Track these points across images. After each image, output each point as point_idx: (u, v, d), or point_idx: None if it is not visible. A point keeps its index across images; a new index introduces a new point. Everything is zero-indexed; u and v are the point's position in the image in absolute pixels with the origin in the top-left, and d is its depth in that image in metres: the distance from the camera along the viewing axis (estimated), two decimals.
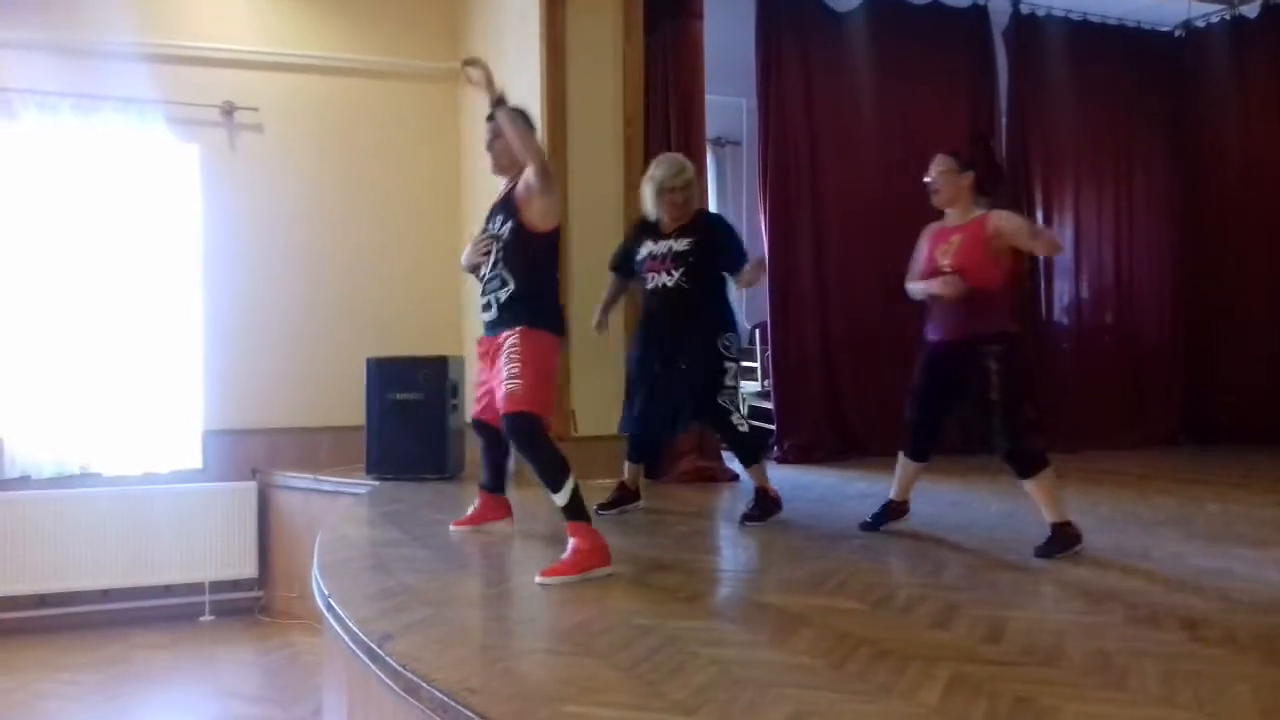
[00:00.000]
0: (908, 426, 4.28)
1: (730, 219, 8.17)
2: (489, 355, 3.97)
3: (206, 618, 6.34)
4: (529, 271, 3.83)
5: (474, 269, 4.03)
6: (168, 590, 6.33)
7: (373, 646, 2.70)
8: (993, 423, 3.88)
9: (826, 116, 7.49)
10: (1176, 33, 8.62)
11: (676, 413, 4.63)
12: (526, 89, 6.07)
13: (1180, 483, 6.07)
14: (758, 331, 7.80)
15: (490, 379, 4.01)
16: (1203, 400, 8.30)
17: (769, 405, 7.40)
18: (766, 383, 7.46)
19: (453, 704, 2.25)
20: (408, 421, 5.84)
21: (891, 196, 7.24)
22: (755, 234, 7.70)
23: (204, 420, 6.64)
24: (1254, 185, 8.00)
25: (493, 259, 3.88)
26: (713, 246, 4.62)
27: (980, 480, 6.04)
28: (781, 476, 6.34)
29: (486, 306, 3.93)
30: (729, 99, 7.73)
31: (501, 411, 3.75)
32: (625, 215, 5.97)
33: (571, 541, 3.51)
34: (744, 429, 4.69)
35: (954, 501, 5.20)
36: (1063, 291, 8.37)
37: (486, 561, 4.03)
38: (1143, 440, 8.09)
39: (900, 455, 4.34)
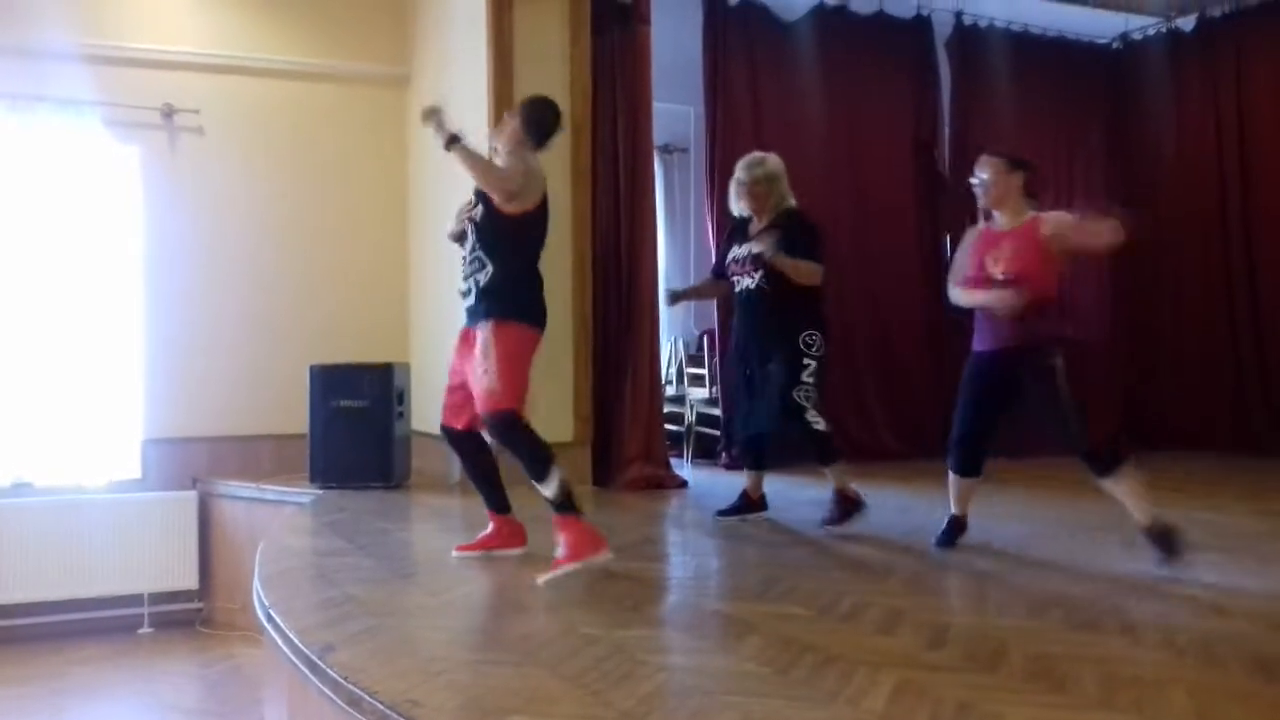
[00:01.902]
0: (956, 441, 4.06)
1: (678, 226, 8.34)
2: (463, 348, 3.87)
3: (145, 630, 6.21)
4: (505, 255, 3.75)
5: (458, 238, 3.95)
6: (106, 602, 6.17)
7: (313, 658, 2.67)
8: (1067, 425, 3.73)
9: (773, 124, 7.53)
10: (1114, 45, 8.80)
11: (768, 411, 4.61)
12: (474, 93, 6.05)
13: None
14: (705, 338, 7.81)
15: (458, 374, 3.90)
16: (1140, 406, 8.46)
17: (717, 411, 7.42)
18: (715, 389, 7.48)
19: (395, 716, 2.23)
20: (352, 429, 5.77)
21: (837, 204, 7.30)
22: (703, 240, 7.72)
23: (144, 429, 6.51)
24: (1188, 194, 8.17)
25: (470, 241, 3.82)
26: (789, 245, 4.53)
27: (926, 486, 6.09)
28: (729, 482, 6.36)
29: (466, 292, 3.83)
30: (677, 106, 7.73)
31: (480, 410, 3.69)
32: (571, 219, 5.97)
33: (562, 536, 3.48)
34: (819, 427, 4.53)
35: (901, 508, 5.25)
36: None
37: (431, 571, 3.99)
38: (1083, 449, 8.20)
39: (950, 473, 4.12)
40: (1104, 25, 8.54)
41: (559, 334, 5.86)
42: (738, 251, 4.73)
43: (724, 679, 2.50)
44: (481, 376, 3.65)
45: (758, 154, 4.84)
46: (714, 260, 5.02)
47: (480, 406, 3.69)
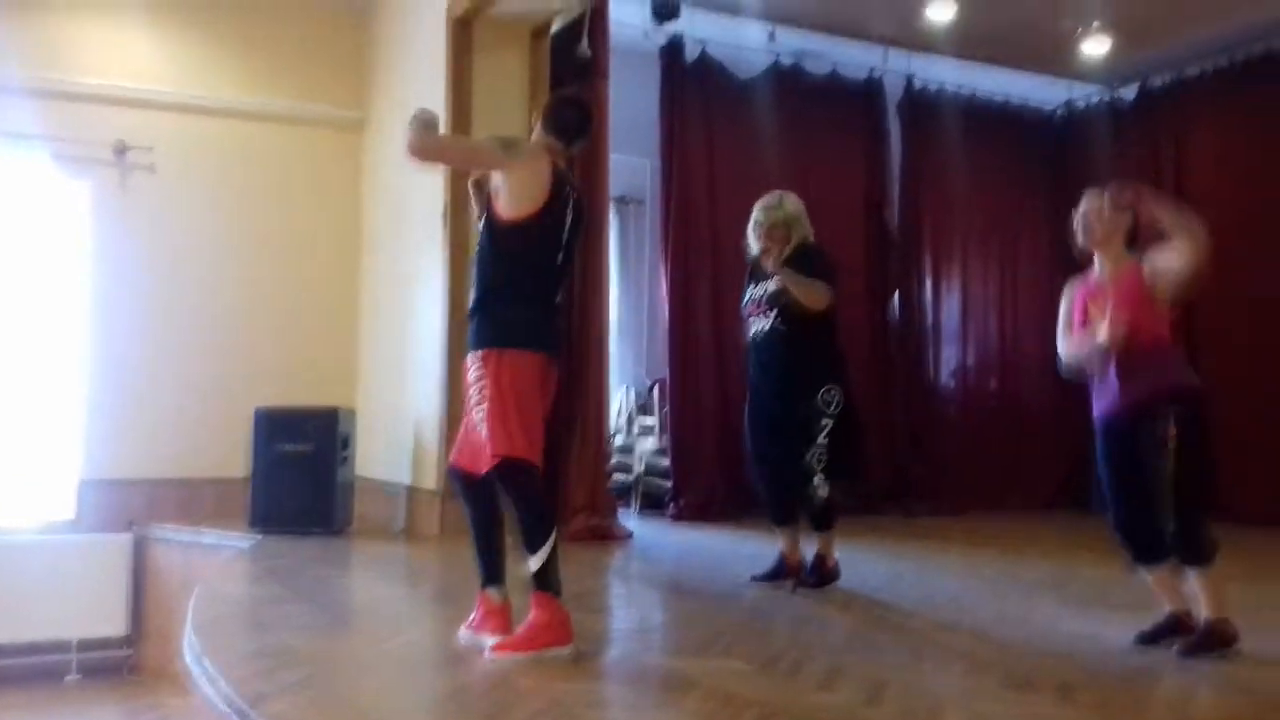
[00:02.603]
0: (1117, 530, 3.49)
1: (631, 276, 8.38)
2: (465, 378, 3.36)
3: (72, 677, 6.02)
4: (501, 268, 3.25)
5: None
6: (32, 648, 5.99)
7: (245, 708, 2.61)
8: (1165, 497, 3.27)
9: (727, 179, 7.63)
10: (1058, 113, 9.06)
11: (788, 471, 4.37)
12: None
13: (1058, 547, 6.26)
14: (656, 388, 7.83)
15: (466, 410, 3.36)
16: (1082, 465, 8.57)
17: (666, 462, 7.42)
18: (664, 439, 7.48)
19: None
20: (295, 474, 5.69)
21: None
22: (656, 291, 7.77)
23: (81, 469, 6.37)
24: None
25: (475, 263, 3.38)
26: (804, 273, 4.32)
27: (868, 541, 6.14)
28: (676, 535, 6.37)
29: (467, 314, 3.39)
30: (633, 159, 7.82)
31: (486, 455, 3.17)
32: None
33: (532, 614, 3.12)
34: (824, 494, 4.30)
35: (843, 563, 5.24)
36: (950, 357, 8.62)
37: (370, 620, 3.93)
38: (1024, 504, 8.31)
39: (1138, 568, 3.53)
40: (1049, 93, 8.80)
41: None
42: (753, 291, 4.52)
43: None
44: (480, 424, 3.17)
45: (775, 194, 4.58)
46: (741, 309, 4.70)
47: (485, 450, 3.17)
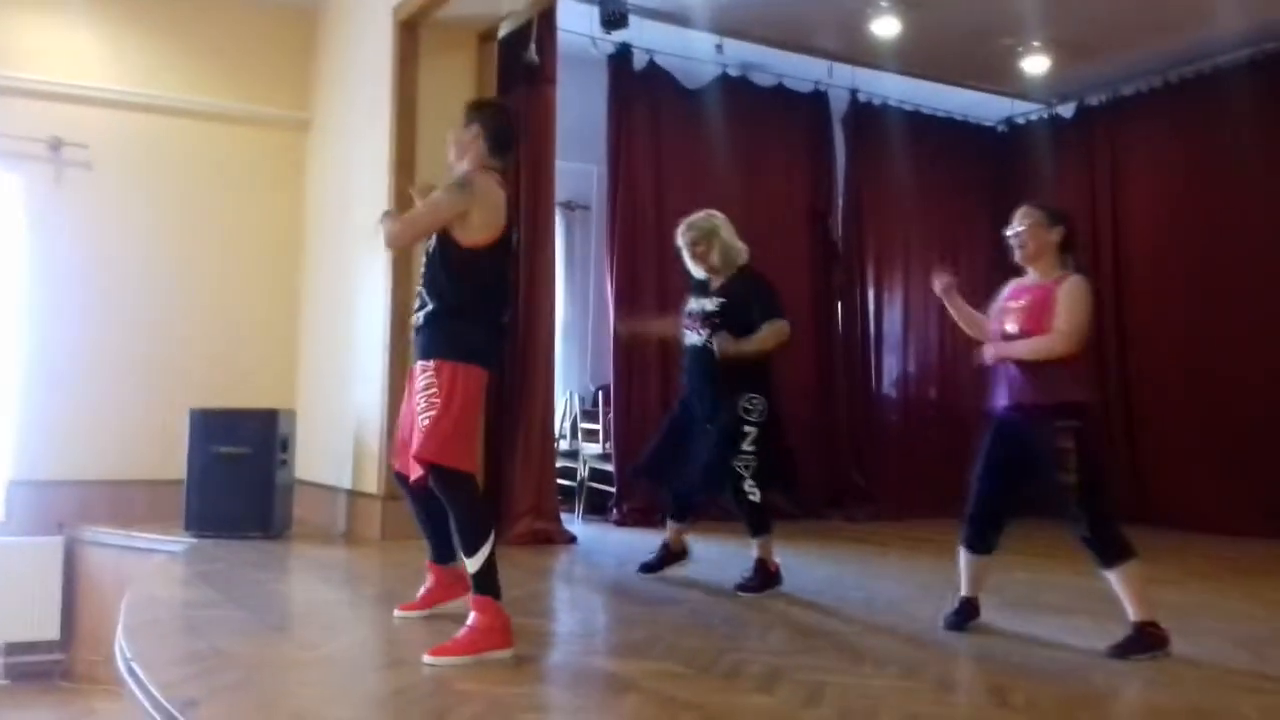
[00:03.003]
0: (969, 516, 3.79)
1: (577, 282, 8.39)
2: (412, 386, 3.53)
3: (2, 681, 5.87)
4: (451, 291, 3.38)
5: None
6: None
7: (175, 713, 2.57)
8: (1070, 508, 3.48)
9: (674, 186, 7.66)
10: (999, 128, 9.23)
11: (707, 474, 4.56)
12: (375, 144, 6.04)
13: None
14: (600, 393, 7.84)
15: (407, 418, 3.58)
16: None
17: (609, 468, 7.42)
18: (608, 445, 7.49)
19: None
20: (232, 477, 5.61)
21: None
22: (602, 296, 7.78)
23: (10, 469, 6.22)
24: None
25: (421, 274, 3.52)
26: (741, 304, 4.59)
27: (808, 545, 6.20)
28: (619, 539, 6.38)
29: (414, 325, 3.53)
30: (580, 165, 7.83)
31: (417, 458, 3.36)
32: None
33: (472, 617, 3.18)
34: (755, 498, 4.50)
35: (784, 566, 5.27)
36: (891, 366, 8.73)
37: (306, 624, 3.89)
38: (961, 510, 8.41)
39: (960, 550, 3.86)
40: (990, 109, 8.96)
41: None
42: (693, 306, 4.73)
43: None
44: (423, 427, 3.32)
45: (693, 216, 4.82)
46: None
47: (418, 453, 3.34)
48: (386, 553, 5.40)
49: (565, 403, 8.01)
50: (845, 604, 4.39)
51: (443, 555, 3.75)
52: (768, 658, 3.27)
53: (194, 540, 5.51)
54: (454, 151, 3.66)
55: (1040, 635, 3.75)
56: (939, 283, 4.02)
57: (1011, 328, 3.66)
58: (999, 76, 8.17)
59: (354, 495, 6.04)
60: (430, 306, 3.41)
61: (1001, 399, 3.67)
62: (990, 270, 8.99)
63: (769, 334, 4.55)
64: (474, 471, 3.38)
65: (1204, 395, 7.53)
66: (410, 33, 5.99)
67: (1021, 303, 3.68)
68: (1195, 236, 7.65)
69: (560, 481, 7.21)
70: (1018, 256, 3.78)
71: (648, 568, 4.90)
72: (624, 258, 7.51)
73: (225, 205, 6.83)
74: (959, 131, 9.08)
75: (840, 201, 8.49)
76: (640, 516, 7.10)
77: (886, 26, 7.15)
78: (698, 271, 4.78)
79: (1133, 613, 3.41)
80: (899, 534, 7.11)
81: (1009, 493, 3.72)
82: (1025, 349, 3.58)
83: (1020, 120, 9.10)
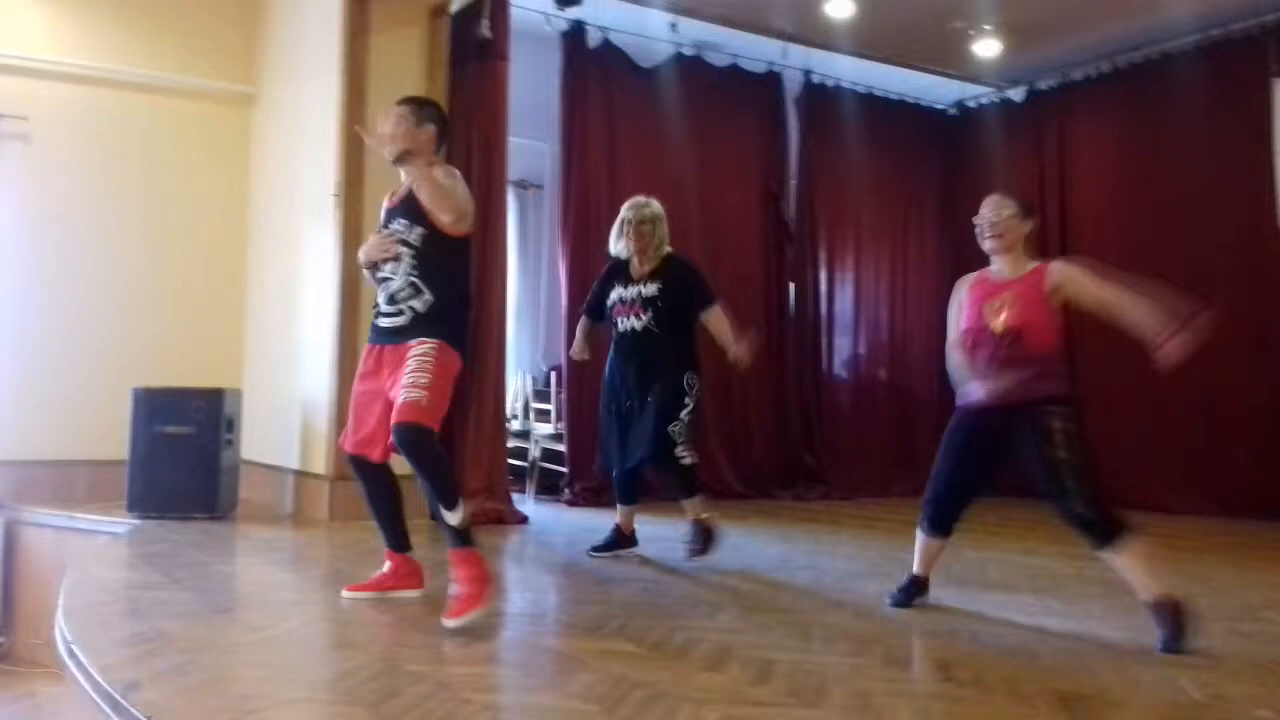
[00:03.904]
0: (930, 498, 3.75)
1: (530, 260, 8.33)
2: (384, 368, 3.58)
3: None
4: (447, 282, 3.57)
5: (372, 267, 3.66)
6: None
7: (116, 696, 2.52)
8: (1064, 485, 3.35)
9: (627, 165, 7.64)
10: (950, 110, 9.30)
11: (643, 443, 4.69)
12: (323, 119, 5.94)
13: None
14: (553, 374, 7.81)
15: (373, 402, 3.60)
16: None
17: (562, 448, 7.41)
18: (560, 425, 7.47)
19: None
20: (176, 457, 5.51)
21: (688, 246, 7.41)
22: (554, 274, 7.74)
23: None
24: None
25: (404, 266, 3.55)
26: (681, 289, 4.76)
27: (760, 524, 6.24)
28: (572, 519, 6.37)
29: (395, 314, 3.55)
30: (533, 142, 7.77)
31: (398, 419, 3.38)
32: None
33: (462, 574, 3.33)
34: (687, 461, 4.70)
35: (735, 545, 5.32)
36: (842, 346, 8.79)
37: (252, 606, 3.83)
38: (911, 489, 8.51)
39: (918, 530, 3.82)
40: (942, 92, 9.02)
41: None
42: (624, 293, 4.83)
43: (550, 717, 2.47)
44: (411, 387, 3.39)
45: (642, 197, 4.96)
46: (589, 301, 5.07)
47: (401, 415, 3.37)
48: (334, 534, 5.34)
49: (517, 383, 7.97)
50: (796, 582, 4.42)
51: (399, 543, 3.79)
52: (718, 636, 3.28)
53: (137, 521, 5.42)
54: (400, 139, 3.57)
55: (986, 612, 3.80)
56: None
57: (999, 323, 3.48)
58: (950, 59, 8.24)
59: (301, 476, 5.97)
60: (428, 296, 3.52)
61: (985, 395, 3.55)
62: (940, 253, 9.10)
63: (725, 322, 4.77)
64: (437, 433, 3.48)
65: (1146, 376, 7.65)
66: (360, 5, 5.89)
67: (1004, 298, 3.52)
68: (1140, 220, 7.77)
69: (512, 462, 7.19)
70: (989, 246, 3.64)
71: (598, 550, 4.91)
72: (577, 237, 7.47)
73: (169, 180, 6.69)
74: (911, 114, 9.13)
75: (793, 182, 8.52)
76: (592, 496, 7.10)
77: (840, 8, 7.17)
78: (623, 250, 4.90)
79: (1145, 592, 3.28)
80: (850, 513, 7.18)
81: (974, 479, 3.68)
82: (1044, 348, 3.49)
83: (971, 103, 9.17)
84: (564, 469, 7.35)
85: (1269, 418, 7.06)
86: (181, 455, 5.52)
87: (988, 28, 7.59)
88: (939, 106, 9.27)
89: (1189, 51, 7.54)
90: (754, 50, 8.08)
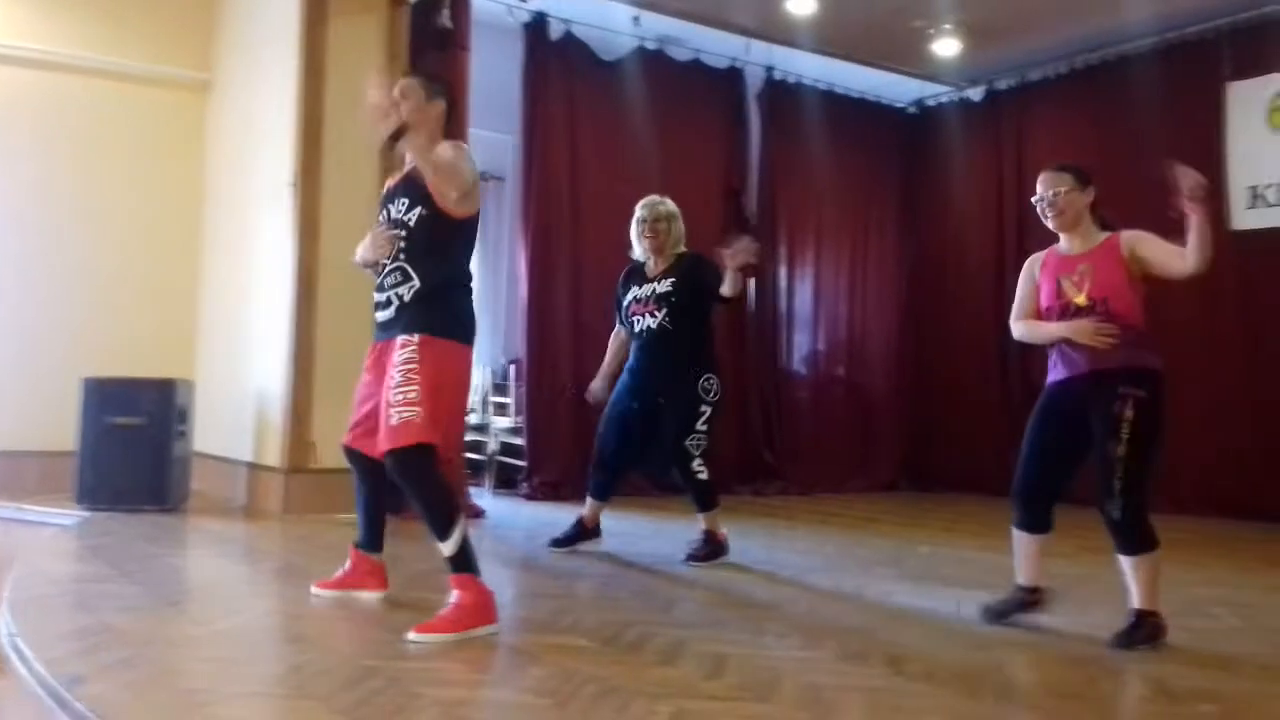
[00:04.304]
0: (1016, 492, 3.46)
1: (490, 253, 8.28)
2: (378, 364, 3.40)
3: None
4: (439, 264, 3.32)
5: (372, 265, 3.46)
6: None
7: (61, 690, 2.48)
8: (1110, 484, 3.21)
9: (589, 158, 7.62)
10: (910, 109, 9.36)
11: (660, 453, 4.68)
12: (281, 108, 5.87)
13: (897, 525, 6.49)
14: (512, 367, 7.78)
15: (373, 395, 3.40)
16: (921, 448, 8.94)
17: (520, 441, 7.38)
18: (519, 418, 7.44)
19: None
20: (127, 448, 5.42)
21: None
22: (515, 267, 7.70)
23: None
24: (972, 251, 8.74)
25: (395, 248, 3.34)
26: (695, 285, 4.69)
27: (721, 517, 6.24)
28: (529, 513, 6.36)
29: (384, 304, 3.36)
30: (495, 134, 7.71)
31: (385, 447, 3.20)
32: None
33: (455, 595, 3.15)
34: (703, 476, 4.65)
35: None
36: (802, 342, 8.83)
37: (202, 599, 3.79)
38: (868, 485, 8.61)
39: (1014, 530, 3.51)
40: (902, 90, 9.08)
41: (359, 354, 5.66)
42: (638, 292, 4.81)
43: (500, 711, 2.47)
44: (401, 406, 3.17)
45: (655, 195, 4.95)
46: (615, 309, 5.02)
47: (393, 440, 3.17)
48: (287, 527, 5.29)
49: (476, 376, 7.93)
50: (751, 576, 4.44)
51: (370, 543, 3.65)
52: (673, 630, 3.28)
53: (86, 513, 5.33)
54: (407, 112, 3.34)
55: (939, 608, 3.83)
56: None
57: (1080, 299, 3.32)
58: (910, 58, 8.28)
59: (254, 468, 5.90)
60: (415, 283, 3.30)
61: (1073, 368, 3.35)
62: (900, 247, 9.17)
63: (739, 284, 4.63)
64: (437, 451, 3.23)
65: None
66: None
67: (1080, 270, 3.36)
68: None
69: (470, 455, 7.16)
70: (1052, 224, 3.47)
71: (558, 542, 4.90)
72: (538, 230, 7.44)
73: (121, 167, 6.58)
74: (871, 111, 9.18)
75: (754, 178, 8.54)
76: (550, 490, 7.09)
77: (801, 5, 7.19)
78: (641, 251, 4.88)
79: (1139, 600, 3.25)
80: (807, 508, 7.22)
81: (1061, 470, 3.41)
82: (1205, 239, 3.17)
83: (930, 102, 9.24)
84: (522, 463, 7.32)
85: (1220, 418, 7.18)
86: (132, 446, 5.44)
87: (947, 27, 7.64)
88: (899, 105, 9.33)
89: (1144, 54, 7.63)
90: (716, 45, 8.08)
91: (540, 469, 7.24)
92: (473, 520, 5.92)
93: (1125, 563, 3.27)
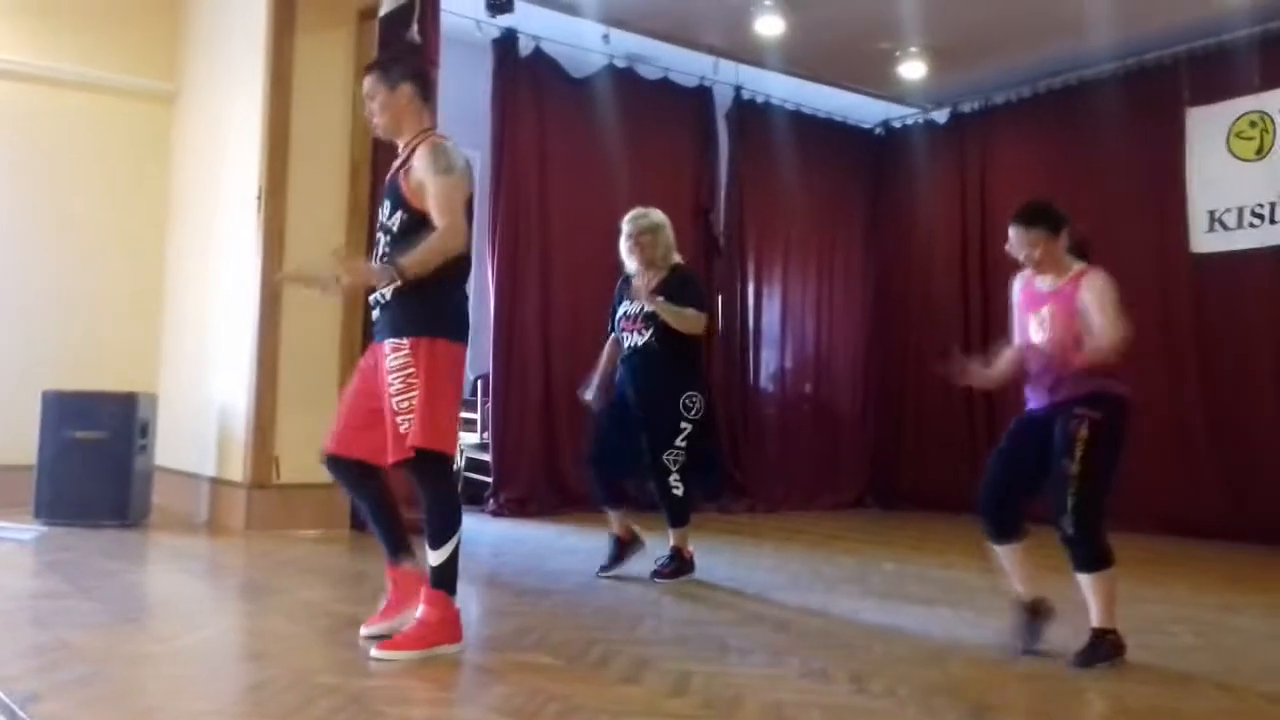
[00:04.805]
0: (980, 507, 3.53)
1: None
2: (371, 367, 3.26)
3: None
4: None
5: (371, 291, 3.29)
6: None
7: (15, 708, 2.44)
8: (1064, 500, 3.29)
9: (558, 174, 7.63)
10: (876, 130, 9.46)
11: (638, 461, 4.67)
12: (247, 121, 5.84)
13: (863, 543, 6.52)
14: (479, 382, 7.75)
15: (364, 397, 3.25)
16: (887, 466, 8.99)
17: (487, 457, 7.35)
18: (485, 434, 7.41)
19: None
20: (88, 462, 5.36)
21: (617, 259, 7.42)
22: (482, 282, 7.68)
23: None
24: (937, 271, 8.83)
25: (379, 252, 3.21)
26: (678, 300, 4.63)
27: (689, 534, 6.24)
28: (496, 530, 6.33)
29: (375, 303, 3.22)
30: (464, 150, 7.69)
31: (395, 457, 3.09)
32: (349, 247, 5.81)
33: (421, 610, 3.09)
34: (679, 492, 4.64)
35: (658, 558, 5.33)
36: (769, 360, 8.86)
37: (162, 616, 3.74)
38: (835, 503, 8.64)
39: (990, 546, 3.56)
40: (869, 112, 9.17)
41: (324, 369, 5.69)
42: (628, 308, 4.77)
43: None
44: (402, 410, 3.08)
45: (640, 208, 4.90)
46: (610, 319, 4.95)
47: (396, 448, 3.08)
48: (250, 543, 5.23)
49: None
50: (717, 594, 4.44)
51: (395, 549, 3.37)
52: (636, 648, 3.28)
53: (45, 528, 5.25)
54: (383, 120, 3.28)
55: (904, 625, 3.85)
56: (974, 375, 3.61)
57: (1039, 338, 3.44)
58: (877, 80, 8.37)
59: (217, 483, 5.84)
60: (398, 280, 3.10)
61: (1040, 399, 3.47)
62: (865, 267, 9.25)
63: (692, 316, 4.64)
64: (453, 456, 3.22)
65: None
66: (287, 5, 5.80)
67: (1043, 314, 3.45)
68: None
69: None
70: (1033, 271, 3.54)
71: (606, 569, 4.74)
72: (506, 245, 7.44)
73: (85, 178, 6.51)
74: (838, 132, 9.26)
75: (723, 196, 8.58)
76: (518, 507, 7.06)
77: (770, 25, 7.24)
78: (631, 264, 4.83)
79: (1097, 619, 3.31)
80: (773, 526, 7.23)
81: (1021, 480, 3.48)
82: (1087, 359, 3.31)
83: (897, 123, 9.34)
84: (489, 479, 7.29)
85: (1177, 438, 7.28)
86: (92, 460, 5.37)
87: (914, 50, 7.73)
88: (865, 125, 9.42)
89: (1107, 79, 7.75)
90: (685, 64, 8.12)
91: (507, 485, 7.21)
92: None
93: (1082, 580, 3.33)
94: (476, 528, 6.42)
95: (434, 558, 3.11)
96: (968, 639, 3.67)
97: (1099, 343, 3.28)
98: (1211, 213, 7.22)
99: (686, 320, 4.62)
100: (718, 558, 5.51)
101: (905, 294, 9.07)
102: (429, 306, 3.12)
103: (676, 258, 4.85)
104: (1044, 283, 3.50)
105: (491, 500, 7.17)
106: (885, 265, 9.24)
